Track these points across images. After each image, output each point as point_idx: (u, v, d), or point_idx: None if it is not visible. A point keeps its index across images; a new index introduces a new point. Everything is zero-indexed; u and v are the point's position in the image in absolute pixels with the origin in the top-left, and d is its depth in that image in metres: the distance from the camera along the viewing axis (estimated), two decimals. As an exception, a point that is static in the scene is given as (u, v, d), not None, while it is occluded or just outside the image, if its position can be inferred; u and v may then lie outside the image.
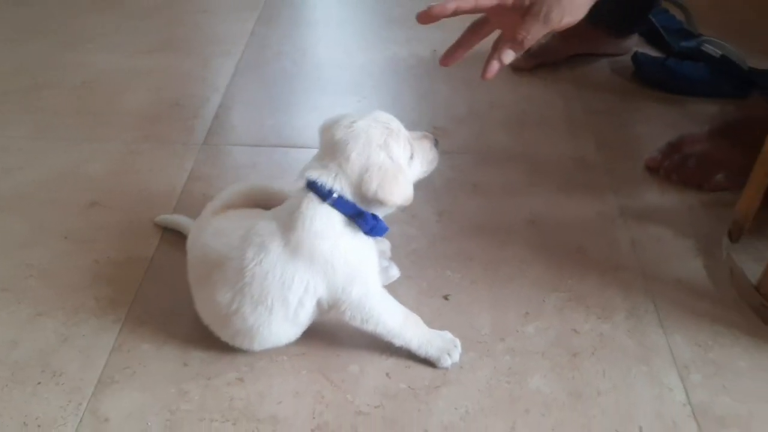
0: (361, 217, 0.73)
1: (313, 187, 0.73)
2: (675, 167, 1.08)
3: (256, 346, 0.77)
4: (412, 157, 0.77)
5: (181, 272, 0.83)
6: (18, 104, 1.26)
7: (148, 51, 1.41)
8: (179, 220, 0.94)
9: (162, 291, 0.87)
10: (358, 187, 0.72)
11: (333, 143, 0.73)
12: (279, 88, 1.30)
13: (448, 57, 0.83)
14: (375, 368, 0.78)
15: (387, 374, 0.78)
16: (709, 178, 1.06)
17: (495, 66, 0.79)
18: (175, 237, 0.93)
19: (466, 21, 0.82)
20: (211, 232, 0.79)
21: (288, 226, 0.73)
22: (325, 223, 0.72)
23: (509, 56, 0.78)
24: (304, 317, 0.75)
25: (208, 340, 0.79)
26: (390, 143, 0.74)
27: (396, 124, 0.76)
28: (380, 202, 0.73)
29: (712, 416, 0.75)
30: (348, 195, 0.73)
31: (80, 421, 0.72)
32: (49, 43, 1.44)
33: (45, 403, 0.74)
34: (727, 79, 1.27)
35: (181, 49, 1.42)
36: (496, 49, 0.79)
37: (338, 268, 0.73)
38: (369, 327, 0.76)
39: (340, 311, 0.75)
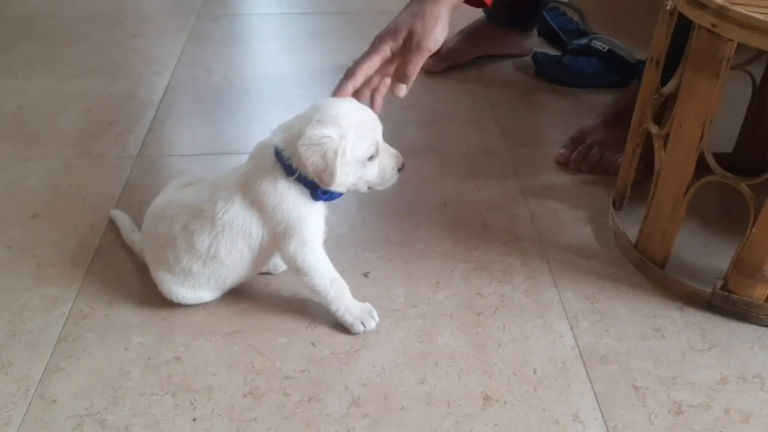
0: (304, 181, 0.82)
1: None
2: (581, 159, 1.17)
3: (229, 284, 0.89)
4: (371, 159, 0.84)
5: (120, 271, 0.90)
6: (-47, 131, 1.27)
7: (81, 75, 1.45)
8: (122, 217, 1.03)
9: (102, 288, 0.93)
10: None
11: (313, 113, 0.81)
12: (210, 101, 1.37)
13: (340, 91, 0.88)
14: (301, 339, 0.87)
15: (312, 343, 0.86)
16: (611, 163, 1.16)
17: (380, 101, 0.92)
18: (113, 240, 1.00)
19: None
20: (168, 199, 0.91)
21: (245, 183, 0.83)
22: (271, 181, 0.82)
23: (402, 90, 0.89)
24: (260, 259, 0.88)
25: (147, 327, 0.87)
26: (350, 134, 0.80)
27: (376, 125, 0.85)
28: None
29: (596, 355, 0.85)
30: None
31: (29, 403, 0.78)
32: (-20, 73, 1.45)
33: (-5, 392, 0.80)
34: (616, 71, 1.41)
35: (113, 71, 1.46)
36: (383, 86, 0.91)
37: (279, 221, 0.83)
38: (299, 276, 0.86)
39: (280, 255, 0.86)
